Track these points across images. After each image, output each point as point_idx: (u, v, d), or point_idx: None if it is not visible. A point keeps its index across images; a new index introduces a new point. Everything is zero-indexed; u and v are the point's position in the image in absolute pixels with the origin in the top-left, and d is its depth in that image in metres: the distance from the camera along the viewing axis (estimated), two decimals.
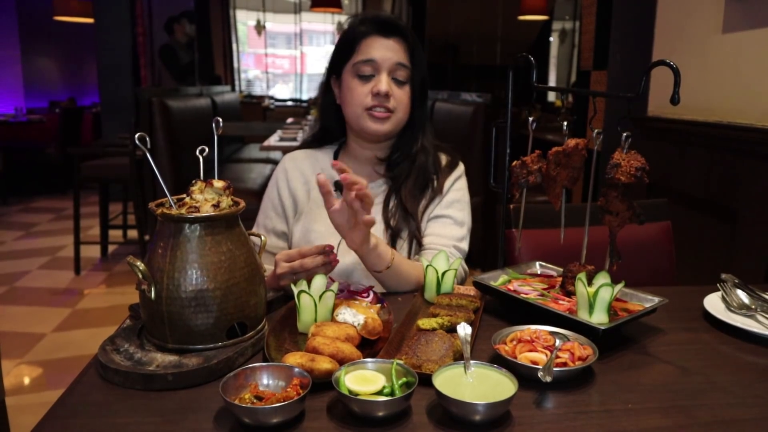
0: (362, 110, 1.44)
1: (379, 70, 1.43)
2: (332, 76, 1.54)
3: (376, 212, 1.48)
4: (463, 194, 1.57)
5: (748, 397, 0.92)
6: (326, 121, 1.59)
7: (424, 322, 1.09)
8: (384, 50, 1.43)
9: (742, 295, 1.26)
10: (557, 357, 0.94)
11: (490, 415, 0.81)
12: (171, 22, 6.62)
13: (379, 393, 0.84)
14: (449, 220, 1.52)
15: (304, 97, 10.41)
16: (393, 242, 1.46)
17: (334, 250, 1.24)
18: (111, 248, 4.92)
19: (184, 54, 6.69)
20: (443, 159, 1.59)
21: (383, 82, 1.42)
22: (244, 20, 10.30)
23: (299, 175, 1.56)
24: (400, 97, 1.45)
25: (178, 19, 6.61)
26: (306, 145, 1.64)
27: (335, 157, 1.59)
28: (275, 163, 1.68)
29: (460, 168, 1.61)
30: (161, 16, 7.18)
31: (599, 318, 1.06)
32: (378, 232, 1.46)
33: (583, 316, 1.07)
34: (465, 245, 1.52)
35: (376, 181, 1.54)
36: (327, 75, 1.55)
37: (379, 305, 1.19)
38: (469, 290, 1.29)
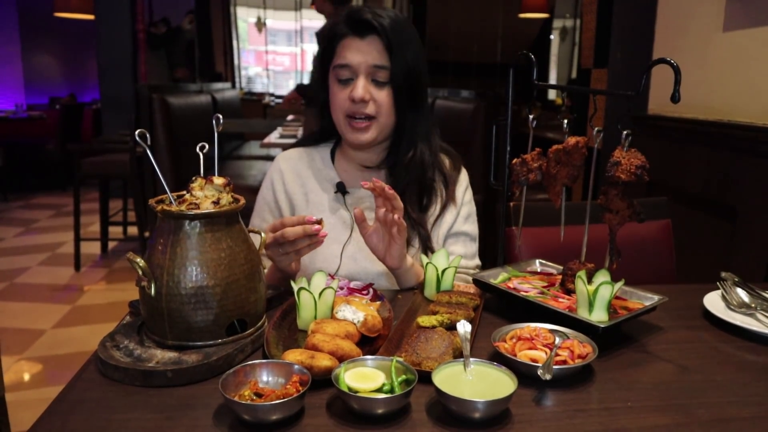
0: (343, 117, 1.41)
1: (357, 74, 1.38)
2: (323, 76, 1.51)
3: None
4: (473, 205, 1.57)
5: (748, 395, 0.92)
6: (324, 120, 1.55)
7: (424, 320, 1.09)
8: (359, 54, 1.37)
9: (742, 294, 1.26)
10: (557, 355, 0.94)
11: (489, 413, 0.81)
12: (149, 26, 6.73)
13: (379, 390, 0.84)
14: (468, 237, 1.53)
15: None
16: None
17: (322, 227, 1.20)
18: (111, 245, 4.92)
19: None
20: (446, 162, 1.54)
21: (359, 88, 1.36)
22: (245, 17, 10.27)
23: (295, 176, 1.52)
24: (381, 99, 1.39)
25: (156, 23, 6.71)
26: (301, 143, 1.61)
27: (331, 156, 1.55)
28: (272, 162, 1.65)
29: (466, 174, 1.58)
30: (161, 13, 7.18)
31: (599, 316, 1.06)
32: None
33: (582, 314, 1.07)
34: (478, 258, 1.55)
35: None
36: (320, 75, 1.51)
37: (378, 302, 1.19)
38: (469, 288, 1.29)
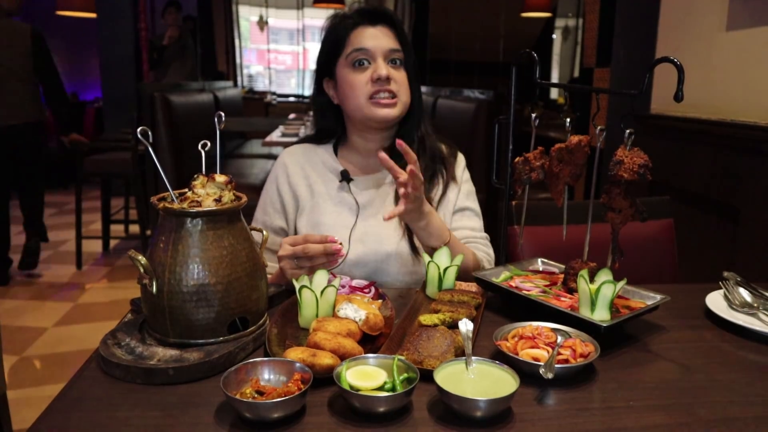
0: (365, 100, 1.42)
1: (374, 57, 1.42)
2: (324, 78, 1.52)
3: (388, 202, 1.49)
4: (472, 184, 1.62)
5: (750, 395, 0.92)
6: (322, 123, 1.57)
7: (426, 318, 1.09)
8: (374, 38, 1.43)
9: (745, 293, 1.26)
10: (559, 354, 0.94)
11: (491, 412, 0.81)
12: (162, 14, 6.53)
13: (380, 388, 0.84)
14: (472, 212, 1.57)
15: (307, 93, 10.38)
16: (409, 230, 1.44)
17: (343, 242, 1.23)
18: (112, 243, 4.92)
19: (165, 52, 6.47)
20: (444, 148, 1.59)
21: (381, 67, 1.41)
22: (247, 15, 10.26)
23: (299, 170, 1.54)
24: (401, 79, 1.45)
25: (164, 9, 6.48)
26: (304, 141, 1.63)
27: (334, 152, 1.56)
28: (277, 158, 1.69)
29: (462, 158, 1.63)
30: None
31: (601, 315, 1.06)
32: (392, 221, 1.45)
33: (585, 313, 1.07)
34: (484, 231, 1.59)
35: (383, 170, 1.51)
36: (317, 78, 1.53)
37: (380, 301, 1.19)
38: (471, 286, 1.29)
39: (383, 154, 1.24)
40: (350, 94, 1.44)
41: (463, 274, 1.34)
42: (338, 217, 1.46)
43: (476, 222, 1.58)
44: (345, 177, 1.50)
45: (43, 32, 4.24)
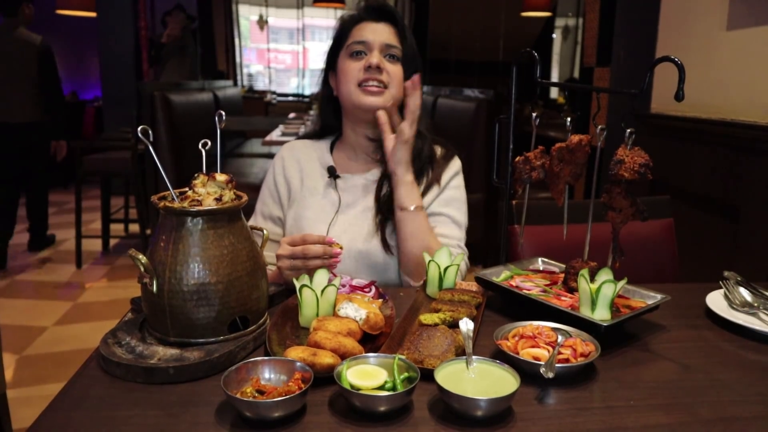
0: (355, 86, 1.46)
1: (371, 49, 1.47)
2: (330, 72, 1.58)
3: (370, 197, 1.51)
4: (461, 193, 1.57)
5: (750, 394, 0.92)
6: (325, 117, 1.62)
7: (426, 317, 1.09)
8: (374, 32, 1.48)
9: (745, 293, 1.26)
10: (559, 353, 0.94)
11: (491, 411, 0.81)
12: (164, 16, 6.51)
13: (381, 388, 0.84)
14: (449, 219, 1.52)
15: (306, 92, 10.38)
16: (383, 226, 1.46)
17: (334, 243, 1.24)
18: (112, 242, 4.92)
19: (163, 49, 6.44)
20: (438, 151, 1.59)
21: (375, 56, 1.45)
22: (247, 15, 10.26)
23: (295, 163, 1.59)
24: (394, 72, 1.48)
25: (170, 11, 6.45)
26: (305, 137, 1.68)
27: (331, 148, 1.61)
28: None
29: (457, 163, 1.60)
30: (163, 10, 7.14)
31: (601, 314, 1.06)
32: (368, 216, 1.48)
33: (585, 312, 1.07)
34: (463, 245, 1.52)
35: (371, 171, 1.55)
36: (325, 72, 1.59)
37: (381, 300, 1.19)
38: (472, 286, 1.28)
39: (381, 113, 1.39)
40: (343, 80, 1.49)
41: (414, 266, 1.39)
42: (321, 213, 1.49)
43: (453, 230, 1.51)
44: (332, 173, 1.54)
45: (50, 45, 4.67)
